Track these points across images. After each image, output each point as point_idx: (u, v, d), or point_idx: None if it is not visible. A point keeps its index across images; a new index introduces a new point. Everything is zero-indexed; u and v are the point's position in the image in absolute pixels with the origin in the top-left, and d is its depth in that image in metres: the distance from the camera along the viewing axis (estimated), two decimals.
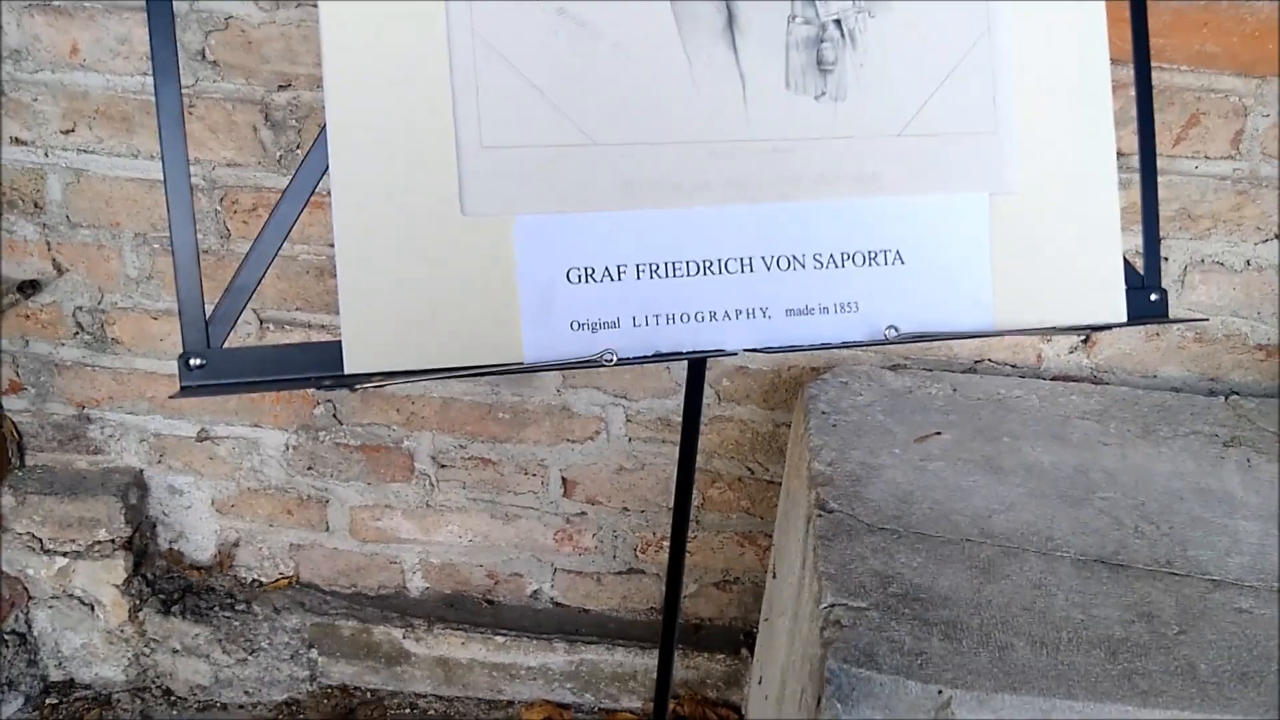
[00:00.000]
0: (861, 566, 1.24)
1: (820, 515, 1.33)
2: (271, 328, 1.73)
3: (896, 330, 0.77)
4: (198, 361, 0.70)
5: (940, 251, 0.79)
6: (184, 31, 1.51)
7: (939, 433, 1.50)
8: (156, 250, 1.66)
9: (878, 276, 0.78)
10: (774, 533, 1.78)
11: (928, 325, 0.79)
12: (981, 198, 0.79)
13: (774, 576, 1.71)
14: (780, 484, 1.82)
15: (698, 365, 0.86)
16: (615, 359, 0.71)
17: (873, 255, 0.78)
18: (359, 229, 0.69)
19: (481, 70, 0.71)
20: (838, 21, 0.77)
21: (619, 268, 0.74)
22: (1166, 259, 1.58)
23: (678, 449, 1.78)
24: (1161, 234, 1.56)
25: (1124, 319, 0.82)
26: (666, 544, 1.92)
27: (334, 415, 1.81)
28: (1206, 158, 1.50)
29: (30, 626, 1.96)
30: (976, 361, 1.67)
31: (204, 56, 1.52)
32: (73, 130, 1.59)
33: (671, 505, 1.86)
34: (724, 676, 1.96)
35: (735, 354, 0.76)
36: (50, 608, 1.93)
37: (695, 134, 0.75)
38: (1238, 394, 1.64)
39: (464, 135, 0.71)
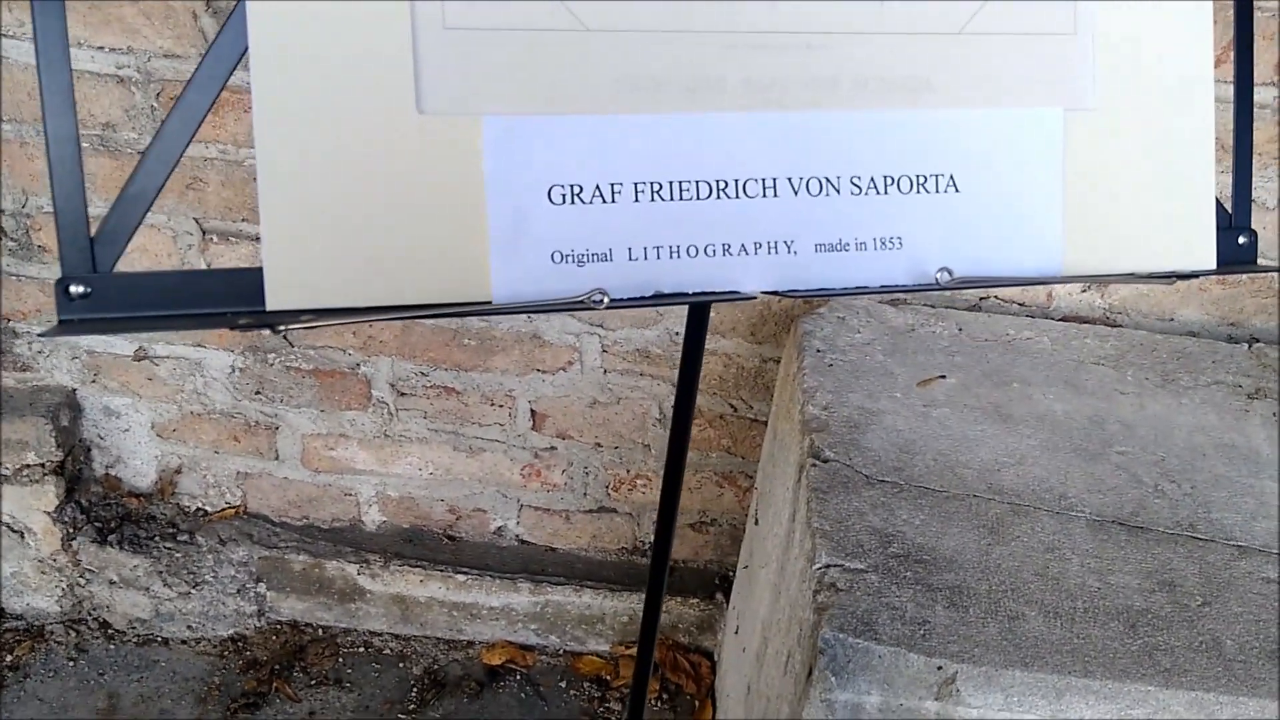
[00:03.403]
0: (859, 523, 1.13)
1: (815, 465, 1.21)
2: (215, 239, 1.58)
3: (950, 273, 0.63)
4: (80, 289, 0.55)
5: (1002, 177, 0.65)
6: None
7: (944, 376, 1.38)
8: (88, 150, 1.50)
9: (926, 206, 0.64)
10: (757, 476, 1.67)
11: (984, 267, 0.65)
12: (1054, 113, 0.65)
13: (756, 523, 1.59)
14: (765, 423, 1.70)
15: (700, 311, 0.72)
16: (606, 300, 0.57)
17: (921, 180, 0.64)
18: (286, 129, 0.55)
19: None
20: None
21: (613, 186, 0.60)
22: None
23: (656, 383, 1.67)
24: None
25: (1212, 266, 0.69)
26: (640, 482, 1.80)
27: (284, 336, 1.66)
28: None
29: None
30: (982, 298, 1.54)
31: None
32: None
33: (647, 443, 1.74)
34: (697, 621, 1.86)
35: (753, 297, 0.62)
36: None
37: (710, 22, 0.60)
38: (1259, 340, 1.53)
39: (422, 11, 0.56)
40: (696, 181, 0.61)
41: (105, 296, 0.55)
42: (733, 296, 0.61)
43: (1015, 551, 1.11)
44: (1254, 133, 0.73)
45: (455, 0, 0.56)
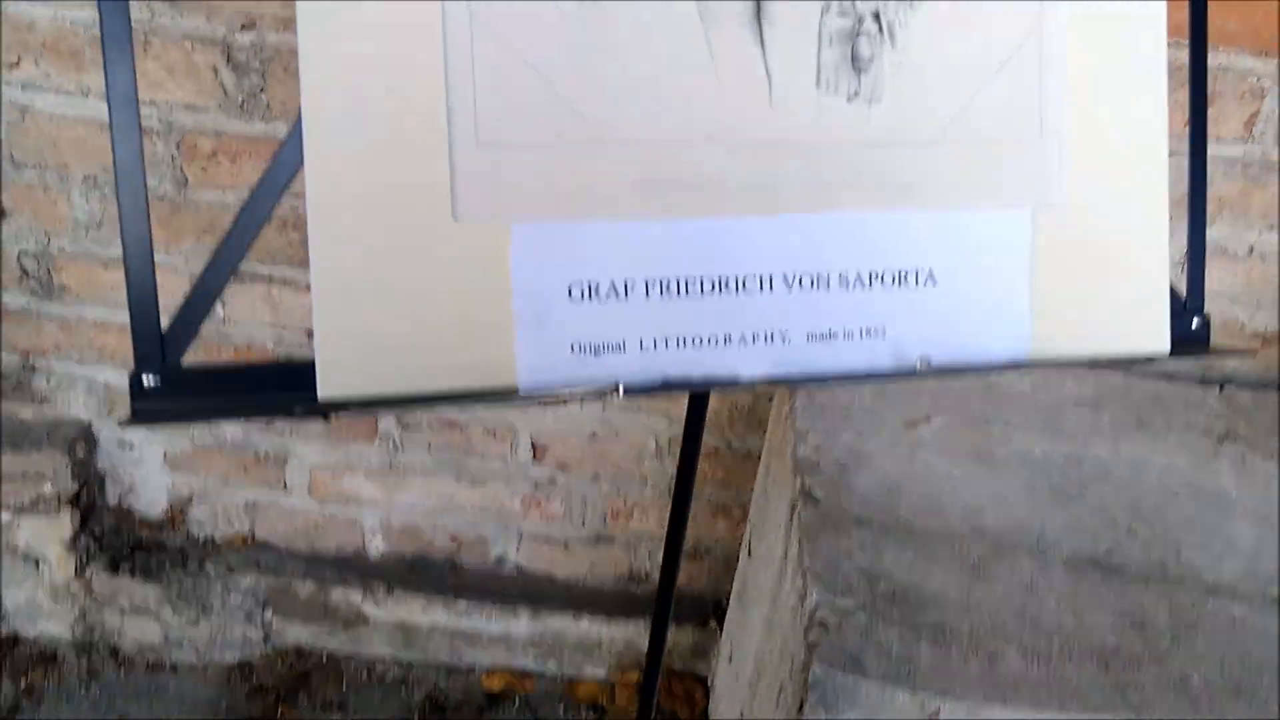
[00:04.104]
0: (848, 563, 1.19)
1: (806, 506, 1.27)
2: (230, 280, 1.63)
3: (929, 361, 0.70)
4: (152, 381, 0.61)
5: (977, 272, 0.72)
6: None
7: (929, 418, 1.45)
8: (108, 195, 1.56)
9: (908, 298, 0.71)
10: (750, 508, 1.73)
11: (960, 354, 0.72)
12: (1024, 213, 0.72)
13: (749, 555, 1.66)
14: (758, 457, 1.76)
15: (700, 399, 0.79)
16: (621, 391, 0.64)
17: (903, 275, 0.71)
18: (337, 237, 0.61)
19: (480, 56, 0.62)
20: (876, 14, 0.69)
21: (626, 283, 0.66)
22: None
23: (653, 418, 1.73)
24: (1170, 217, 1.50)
25: (1166, 349, 0.76)
26: (637, 513, 1.86)
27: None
28: (1218, 139, 1.44)
29: None
30: None
31: None
32: (17, 64, 1.47)
33: (644, 475, 1.80)
34: (691, 648, 1.92)
35: (752, 386, 0.69)
36: None
37: (714, 135, 0.67)
38: (1232, 383, 1.60)
39: (458, 130, 0.62)
40: (701, 278, 0.67)
41: (174, 387, 0.61)
42: (732, 384, 0.68)
43: (996, 591, 1.17)
44: (1207, 198, 0.79)
45: (488, 118, 0.62)
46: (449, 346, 0.63)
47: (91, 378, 1.75)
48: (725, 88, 0.67)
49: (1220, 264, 1.53)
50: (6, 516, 1.79)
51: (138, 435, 1.81)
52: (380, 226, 0.62)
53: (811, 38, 0.68)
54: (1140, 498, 1.34)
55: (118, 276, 1.61)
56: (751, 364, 0.70)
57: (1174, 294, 0.79)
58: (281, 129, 1.49)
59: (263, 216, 0.63)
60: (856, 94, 0.69)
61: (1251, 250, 1.52)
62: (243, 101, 1.49)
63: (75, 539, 1.83)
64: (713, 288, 0.68)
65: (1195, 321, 0.81)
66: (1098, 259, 0.74)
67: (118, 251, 1.57)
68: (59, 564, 1.84)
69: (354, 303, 0.62)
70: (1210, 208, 1.45)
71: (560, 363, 0.65)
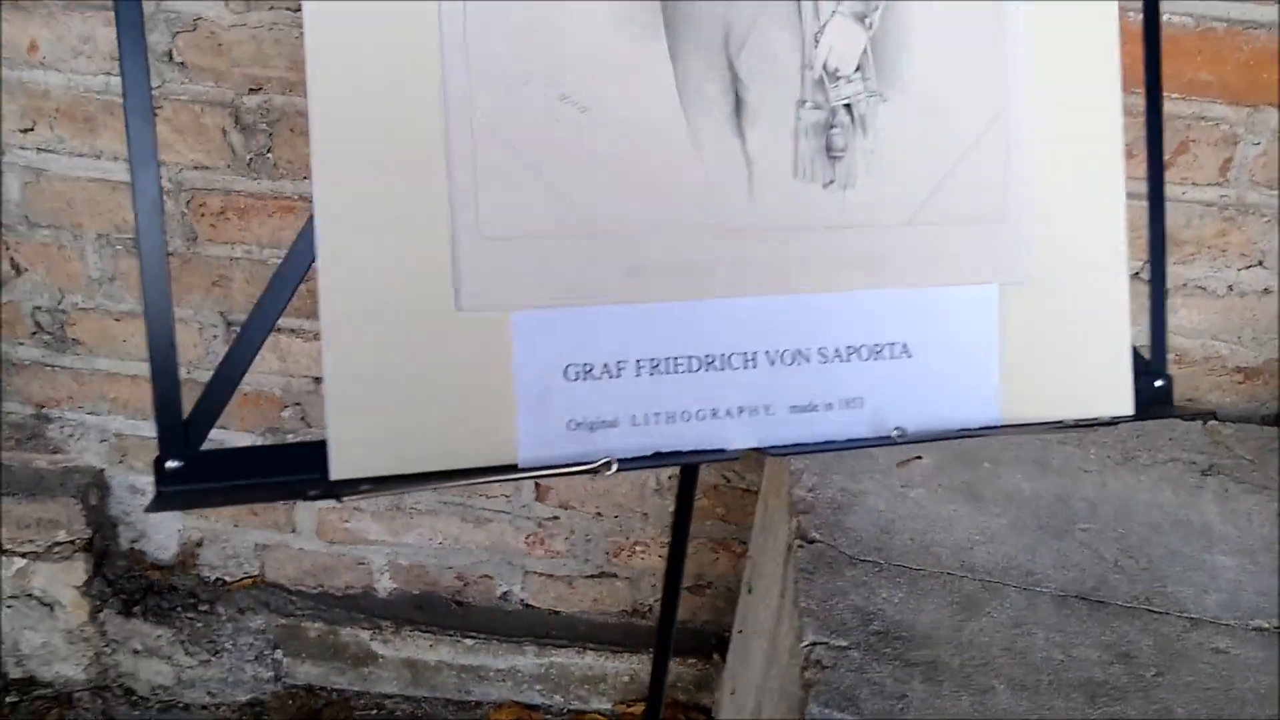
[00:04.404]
0: (843, 602, 1.23)
1: (801, 546, 1.31)
2: (238, 330, 1.68)
3: (903, 431, 0.75)
4: (175, 465, 0.66)
5: (948, 344, 0.76)
6: (151, 32, 1.45)
7: (919, 457, 1.49)
8: (120, 252, 1.61)
9: (884, 370, 0.75)
10: (750, 543, 1.77)
11: (934, 421, 0.76)
12: (991, 288, 0.77)
13: (749, 591, 1.70)
14: (757, 493, 1.80)
15: (690, 471, 0.84)
16: (615, 467, 0.68)
17: (879, 349, 0.75)
18: (349, 329, 0.66)
19: (480, 158, 0.67)
20: (848, 106, 0.74)
21: (618, 364, 0.71)
22: (1149, 282, 1.56)
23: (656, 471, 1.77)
24: (1145, 258, 1.55)
25: (1130, 411, 0.80)
26: (638, 549, 1.90)
27: (302, 419, 1.77)
28: (1194, 184, 1.49)
29: None
30: None
31: (171, 58, 1.47)
32: (32, 129, 1.53)
33: (645, 511, 1.85)
34: (695, 680, 1.96)
35: (736, 458, 0.73)
36: (9, 607, 1.89)
37: (700, 222, 0.72)
38: (1215, 416, 1.64)
39: (460, 227, 0.67)
40: (689, 356, 0.72)
41: (196, 470, 0.66)
42: (719, 456, 0.72)
43: (986, 627, 1.21)
44: (1164, 241, 0.84)
45: (488, 214, 0.67)
46: (454, 427, 0.68)
47: (104, 427, 1.80)
48: (709, 179, 0.72)
49: (1201, 301, 1.58)
50: (22, 563, 1.83)
51: (149, 481, 1.85)
52: (389, 317, 0.66)
53: (788, 130, 0.73)
54: (1126, 532, 1.37)
55: (129, 329, 1.66)
56: (738, 436, 0.74)
57: (1138, 356, 0.83)
58: (288, 187, 1.55)
59: (278, 310, 0.67)
60: (832, 181, 0.74)
61: (1230, 288, 1.56)
62: (250, 160, 1.54)
63: (89, 583, 1.87)
64: (700, 365, 0.72)
65: (1158, 382, 0.85)
66: (1062, 328, 0.78)
67: (129, 306, 1.62)
68: (73, 608, 1.88)
69: (364, 389, 0.66)
70: (1188, 249, 1.50)
71: (558, 439, 0.70)
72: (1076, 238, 0.79)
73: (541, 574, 1.94)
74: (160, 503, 0.63)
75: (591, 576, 1.94)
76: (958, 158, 0.76)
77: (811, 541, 1.31)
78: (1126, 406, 0.80)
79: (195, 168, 1.54)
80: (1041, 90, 0.79)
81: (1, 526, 1.82)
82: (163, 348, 0.65)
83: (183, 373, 1.69)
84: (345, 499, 0.63)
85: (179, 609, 1.92)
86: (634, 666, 1.94)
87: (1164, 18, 1.38)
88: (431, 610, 1.98)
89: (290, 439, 1.79)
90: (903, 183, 0.76)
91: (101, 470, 1.85)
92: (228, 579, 1.95)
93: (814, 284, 0.74)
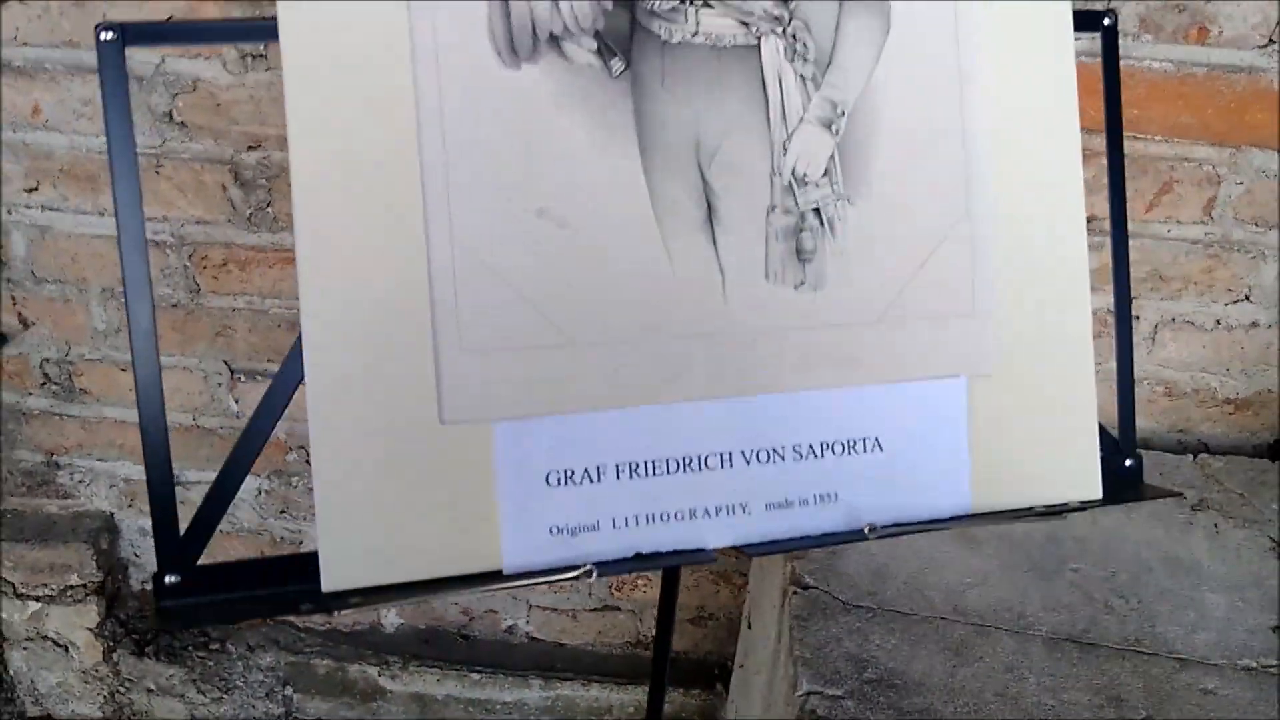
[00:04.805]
0: (837, 650, 1.25)
1: (796, 592, 1.33)
2: (242, 378, 1.71)
3: (875, 528, 0.77)
4: (173, 579, 0.69)
5: (918, 437, 0.79)
6: (150, 93, 1.48)
7: None
8: (124, 304, 1.64)
9: (857, 465, 0.78)
10: (749, 579, 1.79)
11: (906, 512, 0.79)
12: (960, 382, 0.79)
13: (749, 627, 1.72)
14: None
15: (672, 573, 0.86)
16: (596, 575, 0.71)
17: (852, 444, 0.78)
18: (336, 444, 0.69)
19: (460, 275, 0.70)
20: (817, 210, 0.77)
21: (599, 469, 0.74)
22: (1138, 318, 1.59)
23: None
24: (1134, 294, 1.57)
25: (1098, 495, 0.83)
26: (640, 582, 1.93)
27: (306, 461, 1.80)
28: (1178, 222, 1.51)
29: (6, 666, 1.95)
30: None
31: (171, 118, 1.50)
32: (36, 188, 1.56)
33: None
34: (698, 710, 1.98)
35: (713, 559, 0.76)
36: (25, 649, 1.93)
37: (675, 329, 0.74)
38: (1206, 448, 1.66)
39: (442, 341, 0.70)
40: (667, 459, 0.75)
41: (194, 583, 0.69)
42: (698, 557, 0.75)
43: (978, 672, 1.23)
44: (1130, 324, 0.86)
45: (469, 329, 0.70)
46: (440, 537, 0.71)
47: (113, 472, 1.83)
48: (683, 287, 0.74)
49: (1190, 336, 1.60)
50: (36, 606, 1.87)
51: None
52: (375, 431, 0.69)
53: (759, 235, 0.76)
54: (1117, 572, 1.39)
55: (132, 378, 1.69)
56: (716, 535, 0.77)
57: (1107, 436, 0.86)
58: (287, 239, 1.58)
59: (270, 425, 0.70)
60: (803, 283, 0.77)
61: (1218, 323, 1.58)
62: (250, 215, 1.57)
63: (101, 625, 1.90)
64: (678, 467, 0.75)
65: (1128, 461, 0.87)
66: (1030, 417, 0.81)
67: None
68: (87, 649, 1.92)
69: (353, 502, 0.69)
70: (1175, 285, 1.52)
71: (541, 545, 0.73)
72: (1043, 328, 0.81)
73: (546, 608, 1.97)
74: (161, 620, 0.66)
75: (595, 610, 1.96)
76: (925, 256, 0.79)
77: (806, 588, 1.33)
78: (1095, 491, 0.83)
79: (197, 222, 1.57)
80: (1005, 187, 0.81)
81: (16, 570, 1.85)
82: (159, 465, 0.68)
83: (188, 419, 1.73)
84: (336, 613, 0.65)
85: (190, 648, 1.95)
86: (638, 698, 1.96)
87: (1145, 64, 1.41)
88: (438, 645, 2.01)
89: (295, 482, 1.82)
90: (872, 282, 0.78)
91: (111, 514, 1.88)
92: None
93: (787, 383, 0.76)
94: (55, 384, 1.73)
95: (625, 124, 0.74)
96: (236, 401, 1.73)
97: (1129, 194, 1.42)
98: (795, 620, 1.29)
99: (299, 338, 0.68)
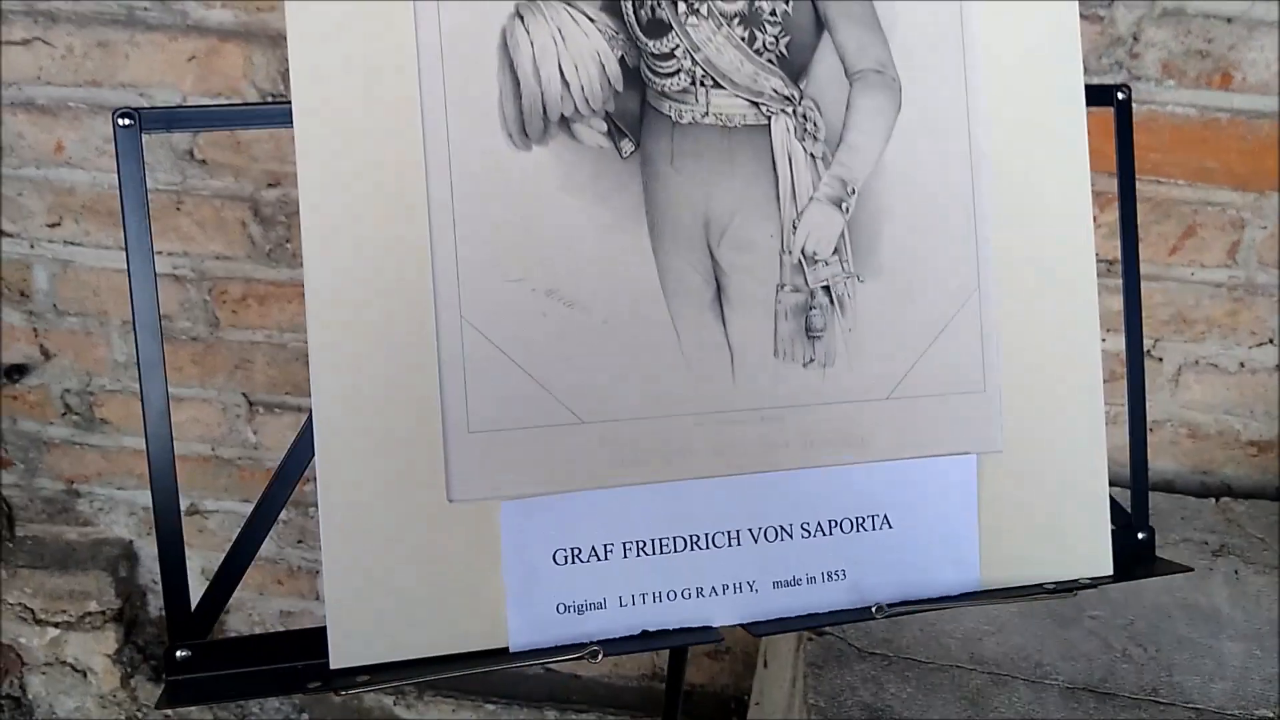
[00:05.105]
0: (851, 698, 1.24)
1: (810, 639, 1.33)
2: (261, 410, 1.72)
3: (883, 607, 0.77)
4: (183, 654, 0.70)
5: (927, 514, 0.78)
6: (173, 133, 1.49)
7: None
8: None
9: (865, 542, 0.77)
10: None
11: (914, 589, 0.79)
12: (969, 459, 0.79)
13: (765, 665, 1.71)
14: None
15: (679, 654, 0.86)
16: (601, 654, 0.71)
17: (860, 521, 0.78)
18: (345, 523, 0.69)
19: (469, 354, 0.70)
20: (826, 288, 0.76)
21: (605, 547, 0.74)
22: (1161, 360, 1.58)
23: None
24: (1157, 336, 1.56)
25: (1109, 572, 0.82)
26: None
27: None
28: (1202, 266, 1.50)
29: (25, 690, 1.97)
30: None
31: (192, 156, 1.51)
32: (59, 224, 1.57)
33: None
34: None
35: (720, 639, 0.76)
36: (43, 673, 1.94)
37: (683, 406, 0.74)
38: (1230, 489, 1.65)
39: (450, 420, 0.70)
40: (674, 537, 0.75)
41: (204, 658, 0.69)
42: (705, 636, 0.75)
43: None
44: (1143, 391, 0.85)
45: (477, 408, 0.70)
46: (447, 615, 0.71)
47: (132, 501, 1.84)
48: (691, 365, 0.74)
49: (1213, 378, 1.59)
50: (55, 632, 1.89)
51: None
52: (383, 510, 0.69)
53: (768, 313, 0.76)
54: (1135, 619, 1.38)
55: None
56: (723, 614, 0.77)
57: (1118, 508, 0.85)
58: None
59: (281, 503, 0.71)
60: (811, 360, 0.76)
61: (1242, 365, 1.57)
62: (270, 250, 1.58)
63: (120, 651, 1.91)
64: (686, 545, 0.75)
65: (1140, 534, 0.87)
66: (1040, 494, 0.80)
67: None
68: (105, 675, 1.93)
69: (361, 580, 0.69)
70: (1199, 327, 1.51)
71: (548, 623, 0.73)
72: (1054, 404, 0.81)
73: None
74: (170, 696, 0.67)
75: None
76: (935, 333, 0.78)
77: (821, 634, 1.33)
78: (1105, 568, 0.82)
79: (217, 258, 1.58)
80: (1017, 265, 0.81)
81: (36, 597, 1.87)
82: (171, 541, 0.68)
83: (207, 450, 1.75)
84: (342, 692, 0.66)
85: None
86: None
87: (1169, 109, 1.40)
88: None
89: (311, 513, 1.82)
90: (881, 360, 0.78)
91: (130, 542, 1.89)
92: None
93: (796, 460, 0.76)
94: (76, 414, 1.75)
95: (634, 204, 0.74)
96: (255, 433, 1.74)
97: (1152, 237, 1.42)
98: (810, 667, 1.28)
99: (309, 416, 0.69)
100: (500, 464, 0.71)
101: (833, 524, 0.77)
